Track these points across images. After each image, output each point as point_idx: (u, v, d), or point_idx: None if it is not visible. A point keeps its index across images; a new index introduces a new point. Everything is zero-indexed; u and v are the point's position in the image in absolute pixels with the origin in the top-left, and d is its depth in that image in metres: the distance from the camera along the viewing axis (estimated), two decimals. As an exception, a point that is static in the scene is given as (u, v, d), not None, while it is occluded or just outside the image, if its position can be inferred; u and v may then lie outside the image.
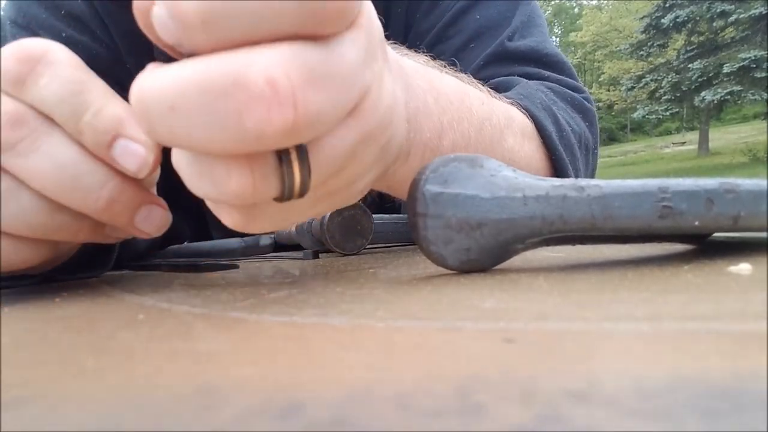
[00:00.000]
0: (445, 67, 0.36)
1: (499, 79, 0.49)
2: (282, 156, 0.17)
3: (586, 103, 0.51)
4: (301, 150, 0.17)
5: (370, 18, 0.19)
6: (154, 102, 0.16)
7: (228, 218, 0.19)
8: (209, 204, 0.19)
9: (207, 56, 0.16)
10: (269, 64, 0.15)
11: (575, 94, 0.51)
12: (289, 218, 0.20)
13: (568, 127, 0.46)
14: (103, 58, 0.50)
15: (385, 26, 0.23)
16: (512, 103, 0.41)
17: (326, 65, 0.16)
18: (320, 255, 0.40)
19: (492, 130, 0.35)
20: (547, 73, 0.51)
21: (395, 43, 0.29)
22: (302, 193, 0.18)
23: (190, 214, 0.54)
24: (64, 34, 0.48)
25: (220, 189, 0.17)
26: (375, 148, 0.21)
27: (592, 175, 0.52)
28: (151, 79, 0.16)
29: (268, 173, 0.17)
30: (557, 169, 0.44)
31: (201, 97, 0.15)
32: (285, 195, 0.17)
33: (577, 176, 0.46)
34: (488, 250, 0.21)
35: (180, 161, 0.18)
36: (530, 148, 0.41)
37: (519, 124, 0.40)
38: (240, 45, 0.16)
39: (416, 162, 0.27)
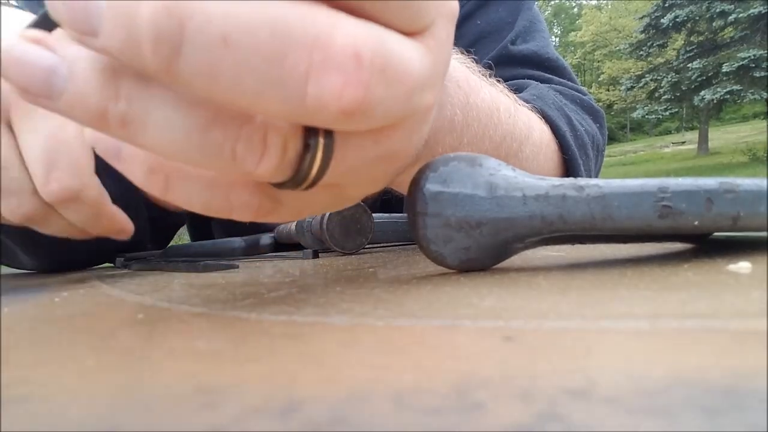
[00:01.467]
0: (482, 72, 0.34)
1: (511, 81, 0.49)
2: (309, 141, 0.15)
3: (594, 104, 0.51)
4: (328, 144, 0.15)
5: (442, 47, 0.17)
6: (201, 26, 0.12)
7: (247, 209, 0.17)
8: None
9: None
10: (357, 36, 0.13)
11: (583, 97, 0.51)
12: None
13: (581, 128, 0.46)
14: None
15: None
16: (531, 109, 0.41)
17: (400, 65, 0.14)
18: (320, 254, 0.40)
19: (511, 143, 0.35)
20: (549, 77, 0.52)
21: None
22: (311, 185, 0.16)
23: (192, 213, 0.54)
24: None
25: (235, 161, 0.14)
26: (390, 168, 0.20)
27: (597, 176, 0.52)
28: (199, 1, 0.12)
29: (291, 154, 0.15)
30: (570, 169, 0.43)
31: (269, 41, 0.12)
32: (293, 182, 0.16)
33: (590, 177, 0.46)
34: (488, 249, 0.21)
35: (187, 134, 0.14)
36: (545, 155, 0.41)
37: (538, 133, 0.40)
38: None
39: None
